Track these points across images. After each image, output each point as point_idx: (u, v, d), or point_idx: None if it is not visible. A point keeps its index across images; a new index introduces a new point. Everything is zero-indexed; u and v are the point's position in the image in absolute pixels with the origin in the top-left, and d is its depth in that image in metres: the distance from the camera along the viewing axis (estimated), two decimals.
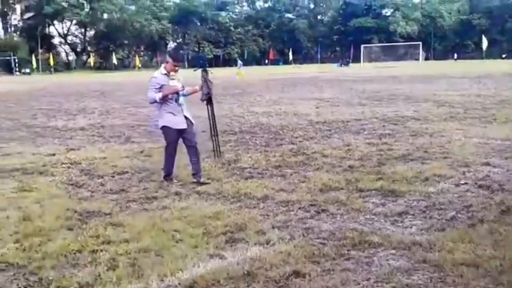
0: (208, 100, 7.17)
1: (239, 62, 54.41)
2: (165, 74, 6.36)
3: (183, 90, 6.49)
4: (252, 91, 23.44)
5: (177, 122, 6.46)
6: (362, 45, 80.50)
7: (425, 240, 4.31)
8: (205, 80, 6.90)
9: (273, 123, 12.50)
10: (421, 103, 16.32)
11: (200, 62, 7.17)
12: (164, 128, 6.53)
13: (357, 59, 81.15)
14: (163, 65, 6.50)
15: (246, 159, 8.06)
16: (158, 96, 6.27)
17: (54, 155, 8.73)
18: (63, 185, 6.60)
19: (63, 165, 7.79)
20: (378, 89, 22.93)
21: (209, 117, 7.38)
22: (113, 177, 7.06)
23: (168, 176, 6.65)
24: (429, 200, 5.60)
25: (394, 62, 75.34)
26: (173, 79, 6.37)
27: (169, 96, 6.35)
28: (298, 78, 36.29)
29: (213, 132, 7.60)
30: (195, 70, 7.02)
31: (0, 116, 15.26)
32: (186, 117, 6.54)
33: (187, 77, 7.37)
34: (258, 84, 28.49)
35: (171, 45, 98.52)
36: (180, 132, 6.51)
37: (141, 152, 8.87)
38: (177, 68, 6.39)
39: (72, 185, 6.63)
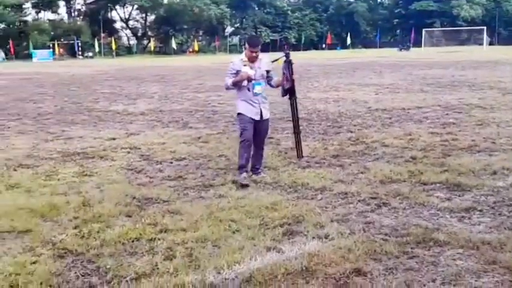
0: (291, 93, 6.54)
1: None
2: (244, 60, 5.99)
3: (254, 78, 5.96)
4: (309, 76, 23.15)
5: (252, 111, 6.05)
6: (423, 29, 78.17)
7: (495, 239, 4.06)
8: (288, 71, 6.32)
9: (330, 110, 12.27)
10: (486, 90, 15.62)
11: (283, 51, 6.61)
12: (239, 116, 6.14)
13: (418, 44, 78.89)
14: (243, 53, 6.15)
15: (303, 147, 7.91)
16: (230, 81, 6.02)
17: (114, 139, 8.87)
18: (123, 170, 6.67)
19: (123, 150, 7.90)
20: (440, 75, 22.14)
21: (292, 112, 6.77)
22: (171, 163, 7.08)
23: (241, 168, 6.08)
24: (498, 195, 5.30)
25: (456, 46, 72.80)
26: (245, 65, 5.94)
27: (244, 83, 5.98)
28: (357, 63, 35.60)
29: (295, 130, 6.91)
30: (273, 61, 6.35)
31: (64, 99, 15.69)
32: (261, 110, 6.10)
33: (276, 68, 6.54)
34: (315, 69, 28.12)
35: (229, 29, 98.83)
36: (253, 122, 6.06)
37: (199, 138, 8.88)
38: (254, 54, 5.95)
39: (131, 170, 6.70)
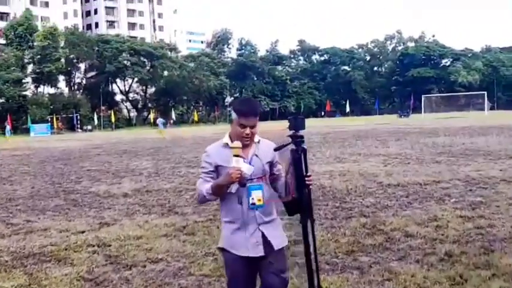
0: (303, 211, 3.34)
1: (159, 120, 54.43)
2: (226, 145, 3.37)
3: (249, 178, 3.31)
4: (310, 146, 21.93)
5: (241, 243, 3.37)
6: (423, 96, 78.20)
7: None
8: (297, 170, 3.31)
9: (337, 187, 10.89)
10: (505, 160, 14.33)
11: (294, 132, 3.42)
12: (221, 252, 3.56)
13: (416, 110, 78.73)
14: (228, 132, 3.45)
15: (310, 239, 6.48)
16: (205, 188, 3.33)
17: (83, 232, 7.44)
18: (80, 282, 5.22)
19: (89, 249, 6.45)
20: (449, 143, 20.95)
21: (304, 243, 3.37)
22: (144, 267, 5.63)
23: None
24: None
25: (456, 112, 72.42)
26: (236, 155, 3.24)
27: (232, 189, 3.32)
28: (358, 130, 34.62)
29: (312, 268, 3.46)
30: (277, 149, 3.49)
31: (45, 179, 14.35)
32: (263, 236, 3.36)
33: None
34: (315, 138, 26.99)
35: (229, 99, 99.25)
36: (251, 263, 3.38)
37: (184, 227, 7.45)
38: (248, 130, 3.30)
39: (90, 281, 5.25)
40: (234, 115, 3.30)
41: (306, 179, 3.26)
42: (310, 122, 51.17)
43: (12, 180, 14.40)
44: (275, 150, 3.44)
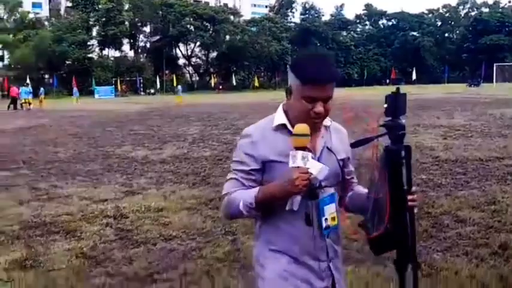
0: (401, 250, 2.06)
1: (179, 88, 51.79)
2: (282, 127, 2.10)
3: (319, 184, 2.05)
4: (367, 116, 20.82)
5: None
6: (495, 64, 74.04)
7: None
8: (395, 178, 2.01)
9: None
10: None
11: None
12: None
13: (488, 79, 74.76)
14: (281, 106, 2.17)
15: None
16: (244, 199, 2.04)
17: (105, 201, 7.03)
18: (79, 259, 4.75)
19: (103, 221, 6.01)
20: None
21: None
22: (154, 245, 5.11)
23: None
24: None
25: None
26: (304, 149, 1.95)
27: (291, 205, 2.03)
28: (424, 99, 32.84)
29: None
30: (355, 145, 2.20)
31: (89, 142, 14.19)
32: (333, 277, 2.13)
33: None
34: (375, 108, 25.73)
35: None
36: None
37: (210, 201, 6.88)
38: (318, 104, 2.01)
39: (91, 258, 4.77)
40: (294, 81, 2.01)
41: (409, 197, 2.00)
42: (373, 90, 49.46)
43: (58, 142, 14.32)
44: (353, 146, 2.17)
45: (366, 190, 2.19)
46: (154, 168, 9.70)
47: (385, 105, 2.02)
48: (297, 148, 1.93)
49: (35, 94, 38.50)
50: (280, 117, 2.09)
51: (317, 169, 1.94)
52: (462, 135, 13.73)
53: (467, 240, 5.09)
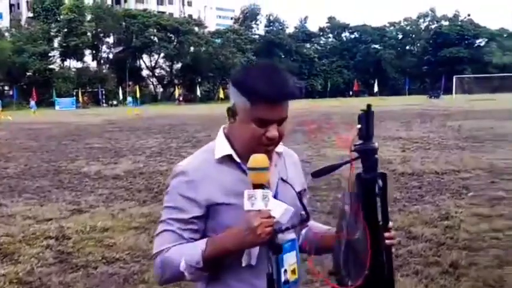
0: None
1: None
2: (228, 159, 1.68)
3: (281, 229, 1.59)
4: (327, 127, 20.90)
5: None
6: (454, 76, 75.87)
7: None
8: (370, 212, 1.63)
9: (345, 173, 9.93)
10: None
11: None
12: None
13: (448, 91, 76.46)
14: (221, 130, 1.75)
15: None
16: (187, 256, 1.59)
17: (49, 220, 6.72)
18: (12, 286, 4.46)
19: (44, 242, 5.71)
20: (478, 127, 19.59)
21: None
22: (95, 269, 4.85)
23: None
24: None
25: (489, 94, 69.86)
26: (261, 187, 1.54)
27: (247, 259, 1.64)
28: (384, 111, 33.18)
29: None
30: (316, 176, 1.78)
31: (42, 156, 13.72)
32: None
33: None
34: (336, 119, 25.90)
35: None
36: None
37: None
38: (272, 127, 1.61)
39: (27, 284, 4.49)
40: (240, 100, 1.61)
41: (386, 235, 1.66)
42: (335, 102, 49.71)
43: (9, 156, 13.82)
44: (315, 175, 1.74)
45: (323, 226, 1.90)
46: (106, 185, 9.39)
47: (359, 126, 1.70)
48: (255, 186, 1.51)
49: None
50: (223, 146, 1.66)
51: (280, 211, 1.55)
52: (420, 148, 13.85)
53: (419, 258, 5.00)
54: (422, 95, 75.46)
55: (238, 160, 1.64)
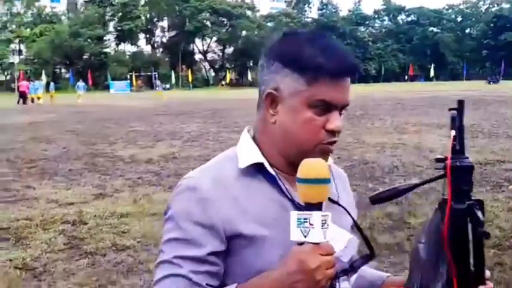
0: None
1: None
2: (260, 167, 1.20)
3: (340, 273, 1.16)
4: (375, 113, 20.32)
5: None
6: None
7: None
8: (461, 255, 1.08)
9: (381, 163, 9.58)
10: None
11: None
12: None
13: (508, 76, 73.37)
14: (245, 132, 1.28)
15: None
16: None
17: (72, 204, 6.74)
18: (17, 272, 4.45)
19: (60, 227, 5.71)
20: None
21: None
22: (103, 256, 4.78)
23: None
24: None
25: None
26: (318, 210, 1.02)
27: None
28: (438, 97, 32.11)
29: None
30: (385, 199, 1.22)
31: (82, 139, 13.94)
32: None
33: None
34: (386, 105, 25.23)
35: None
36: None
37: None
38: (335, 115, 1.17)
39: (31, 270, 4.47)
40: (290, 81, 1.17)
41: None
42: (389, 87, 48.56)
43: (51, 139, 14.11)
44: (376, 201, 1.21)
45: (376, 272, 1.43)
46: (137, 169, 9.39)
47: (453, 132, 1.13)
48: (308, 205, 1.02)
49: (47, 89, 38.57)
50: (250, 152, 1.20)
51: (342, 243, 1.15)
52: (467, 136, 13.18)
53: None
54: (481, 80, 72.71)
55: (272, 172, 1.17)
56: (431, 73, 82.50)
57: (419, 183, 1.22)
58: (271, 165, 1.18)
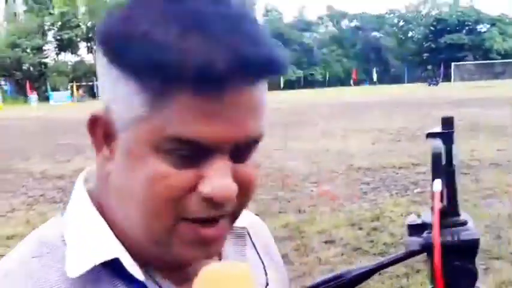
0: None
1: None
2: (115, 266, 0.62)
3: None
4: (308, 119, 20.42)
5: None
6: (453, 63, 75.19)
7: None
8: None
9: (300, 169, 9.52)
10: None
11: None
12: None
13: (448, 78, 75.83)
14: (82, 188, 0.68)
15: None
16: None
17: None
18: None
19: None
20: (463, 116, 18.98)
21: None
22: None
23: None
24: None
25: (490, 81, 69.12)
26: None
27: None
28: (375, 101, 32.72)
29: None
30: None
31: (4, 154, 13.34)
32: None
33: None
34: (321, 110, 25.45)
35: None
36: None
37: None
38: (210, 161, 0.58)
39: None
40: (124, 92, 0.57)
41: None
42: (332, 92, 48.97)
43: None
44: None
45: None
46: (45, 185, 9.00)
47: (437, 184, 0.67)
48: None
49: None
50: (91, 232, 0.64)
51: None
52: (392, 140, 13.40)
53: (325, 268, 4.58)
54: (423, 83, 74.77)
55: (137, 273, 0.62)
56: (374, 77, 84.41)
57: (376, 267, 0.70)
58: (133, 256, 0.63)
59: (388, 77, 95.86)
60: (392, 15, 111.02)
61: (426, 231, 0.67)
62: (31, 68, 68.62)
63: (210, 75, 0.52)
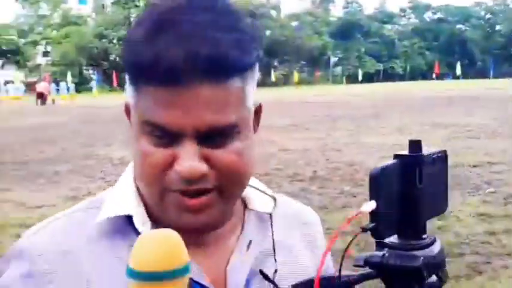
0: None
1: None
2: (128, 222, 0.76)
3: None
4: (383, 113, 20.03)
5: None
6: None
7: None
8: None
9: (369, 164, 9.39)
10: None
11: None
12: None
13: None
14: (129, 167, 0.85)
15: None
16: None
17: (40, 207, 6.81)
18: None
19: (16, 230, 5.77)
20: None
21: None
22: None
23: None
24: None
25: None
26: None
27: None
28: (457, 96, 31.47)
29: None
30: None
31: (82, 140, 14.09)
32: None
33: None
34: (399, 104, 24.85)
35: (333, 60, 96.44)
36: None
37: None
38: (181, 140, 0.70)
39: None
40: (128, 85, 0.75)
41: None
42: (411, 86, 47.53)
43: (52, 140, 14.28)
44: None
45: None
46: (122, 170, 9.41)
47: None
48: None
49: (67, 90, 39.24)
50: (120, 197, 0.80)
51: None
52: (469, 137, 12.92)
53: None
54: (510, 78, 71.18)
55: (143, 229, 0.75)
56: (458, 71, 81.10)
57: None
58: (150, 215, 0.76)
59: (473, 71, 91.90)
60: (478, 7, 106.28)
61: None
62: (117, 59, 71.46)
63: (166, 71, 0.66)
